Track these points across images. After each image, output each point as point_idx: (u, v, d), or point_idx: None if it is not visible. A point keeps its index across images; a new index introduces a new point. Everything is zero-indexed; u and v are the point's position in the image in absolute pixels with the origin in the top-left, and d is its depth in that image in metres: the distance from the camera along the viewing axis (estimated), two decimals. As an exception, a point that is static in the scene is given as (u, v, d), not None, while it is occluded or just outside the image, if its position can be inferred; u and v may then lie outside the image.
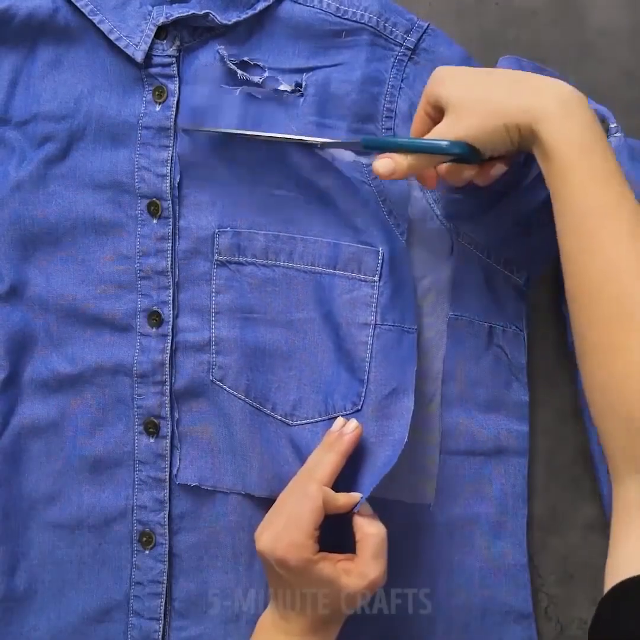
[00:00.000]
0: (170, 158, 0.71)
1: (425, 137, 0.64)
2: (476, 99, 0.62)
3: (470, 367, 0.73)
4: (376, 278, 0.71)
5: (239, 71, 0.70)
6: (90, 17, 0.70)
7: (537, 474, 0.74)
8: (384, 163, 0.64)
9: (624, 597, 0.50)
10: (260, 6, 0.70)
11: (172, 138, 0.71)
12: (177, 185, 0.71)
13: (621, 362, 0.55)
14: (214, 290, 0.72)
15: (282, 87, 0.71)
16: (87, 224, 0.71)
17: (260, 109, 0.71)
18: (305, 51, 0.71)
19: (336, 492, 0.65)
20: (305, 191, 0.71)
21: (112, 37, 0.70)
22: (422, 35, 0.71)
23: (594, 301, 0.57)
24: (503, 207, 0.72)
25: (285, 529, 0.62)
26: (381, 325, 0.71)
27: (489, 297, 0.74)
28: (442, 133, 0.63)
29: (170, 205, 0.71)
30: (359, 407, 0.70)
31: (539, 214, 0.72)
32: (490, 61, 0.71)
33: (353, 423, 0.68)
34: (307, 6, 0.71)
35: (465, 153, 0.62)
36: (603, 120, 0.70)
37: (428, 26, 0.71)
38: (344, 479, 0.66)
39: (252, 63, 0.71)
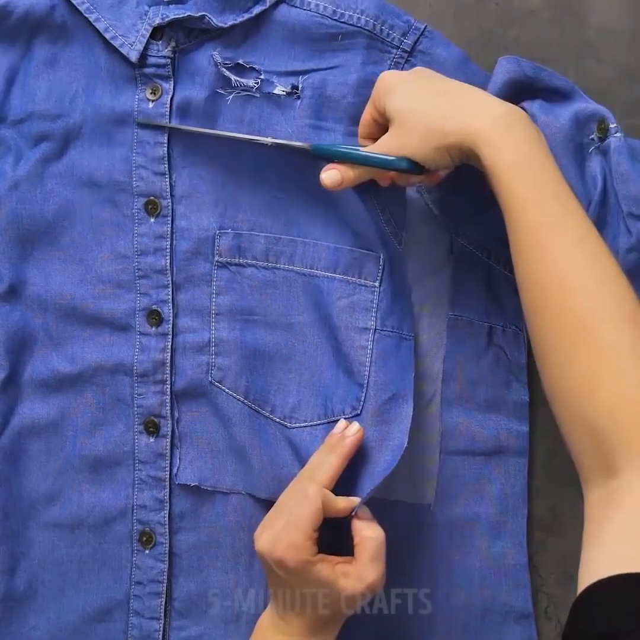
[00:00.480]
0: (166, 155, 0.71)
1: (371, 150, 0.65)
2: (417, 117, 0.63)
3: (470, 367, 0.74)
4: (377, 283, 0.71)
5: (233, 77, 0.70)
6: (87, 15, 0.70)
7: (537, 474, 0.74)
8: (330, 175, 0.66)
9: (595, 600, 0.50)
10: (256, 10, 0.70)
11: (167, 135, 0.71)
12: (175, 184, 0.71)
13: (577, 372, 0.55)
14: (214, 291, 0.72)
15: (277, 90, 0.71)
16: (85, 223, 0.72)
17: (256, 112, 0.71)
18: (301, 54, 0.71)
19: (335, 495, 0.65)
20: (308, 195, 0.72)
21: (107, 35, 0.70)
22: (419, 38, 0.71)
23: (548, 312, 0.58)
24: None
25: (285, 529, 0.62)
26: (381, 330, 0.71)
27: (488, 297, 0.74)
28: (387, 146, 0.64)
29: (170, 203, 0.71)
30: (359, 412, 0.70)
31: None
32: (490, 61, 0.71)
33: (355, 426, 0.68)
34: (304, 9, 0.71)
35: (410, 168, 0.64)
36: (603, 120, 0.70)
37: (425, 28, 0.71)
38: (343, 483, 0.66)
39: (247, 66, 0.71)
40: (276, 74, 0.71)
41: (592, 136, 0.71)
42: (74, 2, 0.70)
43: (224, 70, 0.70)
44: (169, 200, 0.71)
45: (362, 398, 0.70)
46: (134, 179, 0.71)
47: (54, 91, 0.71)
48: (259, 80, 0.71)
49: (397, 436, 0.68)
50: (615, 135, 0.70)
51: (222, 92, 0.71)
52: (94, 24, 0.70)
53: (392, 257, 0.71)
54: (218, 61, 0.70)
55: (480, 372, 0.74)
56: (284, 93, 0.71)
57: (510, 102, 0.70)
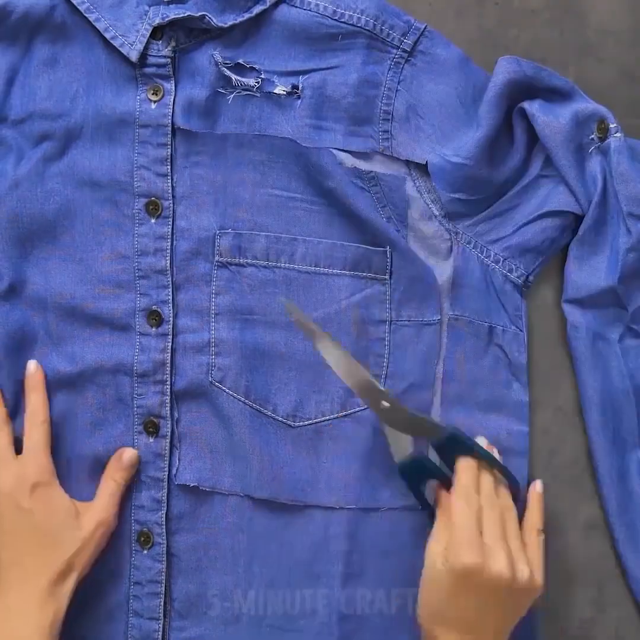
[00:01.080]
0: (169, 156, 0.71)
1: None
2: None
3: (470, 367, 0.73)
4: (387, 276, 0.72)
5: (233, 77, 0.70)
6: (87, 15, 0.70)
7: (537, 474, 0.74)
8: None
9: None
10: (256, 9, 0.70)
11: (170, 136, 0.71)
12: (176, 184, 0.71)
13: None
14: (214, 291, 0.72)
15: (277, 90, 0.71)
16: (85, 223, 0.71)
17: (257, 111, 0.71)
18: (301, 54, 0.71)
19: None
20: (309, 192, 0.72)
21: (107, 35, 0.70)
22: (419, 38, 0.72)
23: None
24: (501, 206, 0.72)
25: None
26: (397, 321, 0.72)
27: (488, 297, 0.73)
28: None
29: (171, 204, 0.71)
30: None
31: (538, 213, 0.72)
32: (490, 61, 0.71)
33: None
34: (304, 9, 0.71)
35: None
36: (603, 120, 0.71)
37: (425, 28, 0.72)
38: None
39: (247, 66, 0.71)
40: (276, 74, 0.71)
41: (592, 136, 0.71)
42: (74, 2, 0.70)
43: (225, 69, 0.70)
44: (170, 201, 0.71)
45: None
46: (136, 179, 0.71)
47: (55, 91, 0.71)
48: (259, 80, 0.71)
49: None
50: (615, 135, 0.70)
51: (222, 91, 0.71)
52: (94, 23, 0.70)
53: (400, 249, 0.71)
54: (218, 61, 0.70)
55: (480, 372, 0.73)
56: (285, 93, 0.71)
57: (510, 102, 0.70)
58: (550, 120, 0.70)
